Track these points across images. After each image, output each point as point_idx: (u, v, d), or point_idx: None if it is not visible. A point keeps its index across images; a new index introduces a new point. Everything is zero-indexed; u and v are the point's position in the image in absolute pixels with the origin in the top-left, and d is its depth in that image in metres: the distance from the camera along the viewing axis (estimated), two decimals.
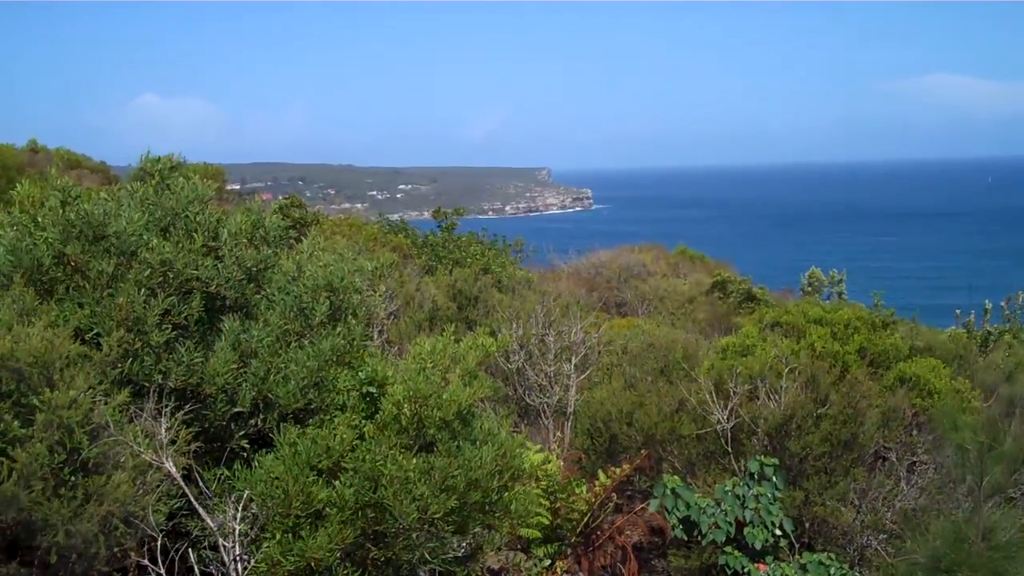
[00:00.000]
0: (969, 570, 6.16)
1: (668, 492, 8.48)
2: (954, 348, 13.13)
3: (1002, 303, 20.71)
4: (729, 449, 9.58)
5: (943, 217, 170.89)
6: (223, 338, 5.33)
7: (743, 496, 8.40)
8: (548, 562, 8.21)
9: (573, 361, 11.24)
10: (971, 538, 6.30)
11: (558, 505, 8.40)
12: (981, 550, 6.23)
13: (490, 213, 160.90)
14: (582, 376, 11.38)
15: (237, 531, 4.77)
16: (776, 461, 8.61)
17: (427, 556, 5.07)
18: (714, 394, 9.72)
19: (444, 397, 5.08)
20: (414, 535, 4.91)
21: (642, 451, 9.56)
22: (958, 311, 21.03)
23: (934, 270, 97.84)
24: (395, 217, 31.88)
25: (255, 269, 5.68)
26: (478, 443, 5.12)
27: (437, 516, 4.82)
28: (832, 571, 7.98)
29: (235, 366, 5.24)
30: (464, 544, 5.44)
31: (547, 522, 8.19)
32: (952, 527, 6.47)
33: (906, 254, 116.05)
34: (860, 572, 8.98)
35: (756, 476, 8.53)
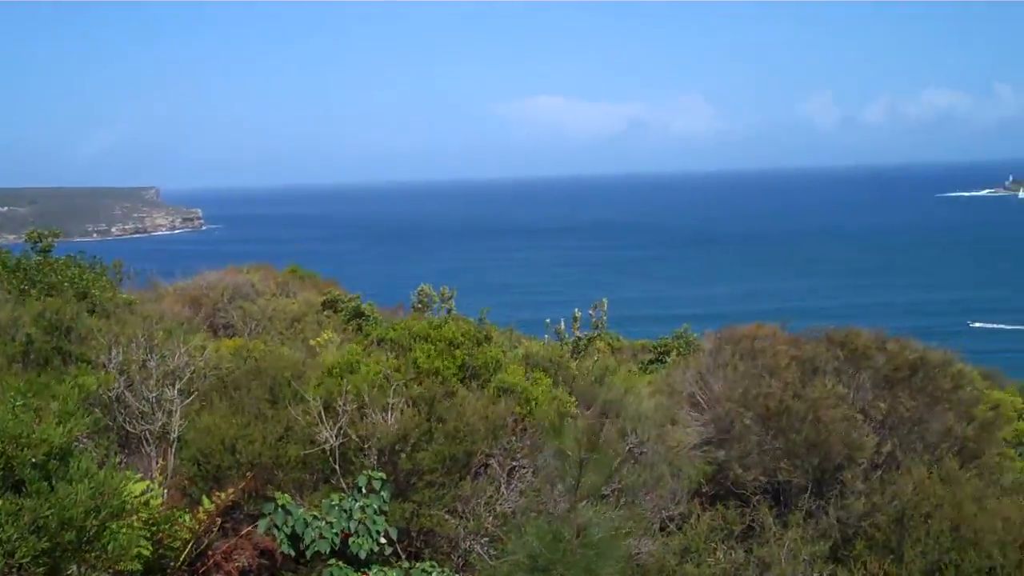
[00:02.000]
0: (563, 567, 6.70)
1: (278, 509, 8.62)
2: (549, 356, 14.28)
3: (590, 311, 22.64)
4: (337, 468, 9.83)
5: (546, 233, 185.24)
6: None
7: (350, 509, 8.72)
8: None
9: (177, 386, 10.98)
10: (567, 537, 6.83)
11: (160, 535, 8.24)
12: (575, 548, 6.78)
13: (95, 235, 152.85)
14: (187, 401, 11.14)
15: None
16: (383, 475, 9.02)
17: None
18: (323, 414, 9.91)
19: (35, 436, 4.94)
20: None
21: (248, 475, 9.58)
22: (547, 320, 22.72)
23: (537, 284, 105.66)
24: None
25: None
26: (74, 481, 5.03)
27: (26, 560, 4.68)
28: None
29: None
30: None
31: (148, 553, 8.00)
32: (548, 526, 7.00)
33: (513, 268, 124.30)
34: None
35: (364, 490, 8.91)
